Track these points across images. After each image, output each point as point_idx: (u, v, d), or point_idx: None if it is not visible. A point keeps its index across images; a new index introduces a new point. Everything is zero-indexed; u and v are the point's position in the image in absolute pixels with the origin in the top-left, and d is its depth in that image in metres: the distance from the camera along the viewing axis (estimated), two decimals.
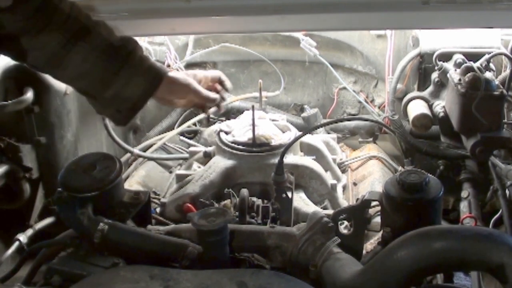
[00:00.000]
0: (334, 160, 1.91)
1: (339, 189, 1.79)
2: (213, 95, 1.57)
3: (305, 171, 1.68)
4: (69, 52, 1.35)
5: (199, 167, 1.82)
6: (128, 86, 1.38)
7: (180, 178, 1.77)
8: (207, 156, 1.81)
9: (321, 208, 1.66)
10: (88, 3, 1.66)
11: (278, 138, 1.75)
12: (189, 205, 1.56)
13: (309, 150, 1.85)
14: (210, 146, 1.92)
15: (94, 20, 1.40)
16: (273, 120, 1.88)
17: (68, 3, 1.38)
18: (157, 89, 1.43)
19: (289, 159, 1.66)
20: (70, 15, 1.36)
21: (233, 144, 1.72)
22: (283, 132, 1.83)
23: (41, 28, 1.33)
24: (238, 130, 1.78)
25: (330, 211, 1.59)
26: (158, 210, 1.65)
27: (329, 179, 1.75)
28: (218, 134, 1.80)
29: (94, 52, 1.35)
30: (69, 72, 1.40)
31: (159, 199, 1.74)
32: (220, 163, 1.68)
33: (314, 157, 1.81)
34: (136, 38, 1.60)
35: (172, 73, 1.49)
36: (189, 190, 1.63)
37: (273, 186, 1.46)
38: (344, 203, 1.74)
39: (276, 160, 1.47)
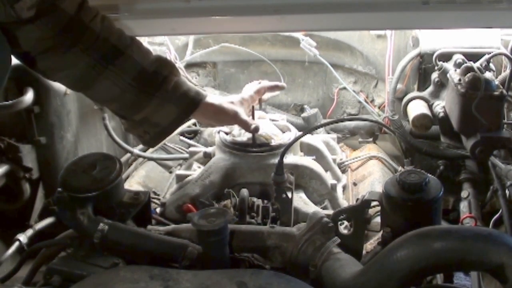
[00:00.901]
0: (334, 160, 1.91)
1: (339, 189, 1.79)
2: (253, 123, 1.60)
3: (305, 171, 1.68)
4: (98, 75, 1.33)
5: (199, 167, 1.82)
6: (159, 112, 1.38)
7: (180, 178, 1.77)
8: (207, 156, 1.81)
9: (321, 208, 1.66)
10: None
11: (278, 138, 1.75)
12: (189, 205, 1.56)
13: (309, 150, 1.85)
14: (210, 146, 1.92)
15: (127, 41, 1.36)
16: (273, 120, 1.88)
17: (99, 21, 1.34)
18: (190, 116, 1.43)
19: (289, 159, 1.66)
20: (99, 35, 1.32)
21: (233, 144, 1.72)
22: (283, 132, 1.83)
23: (68, 47, 1.30)
24: (238, 130, 1.78)
25: (330, 211, 1.59)
26: (158, 210, 1.65)
27: (329, 179, 1.75)
28: (218, 134, 1.80)
29: (125, 77, 1.33)
30: (99, 95, 1.40)
31: (159, 199, 1.74)
32: (220, 163, 1.68)
33: (314, 157, 1.81)
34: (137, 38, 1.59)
35: (212, 99, 1.48)
36: (189, 190, 1.63)
37: (273, 186, 1.46)
38: (344, 203, 1.74)
39: (276, 160, 1.47)
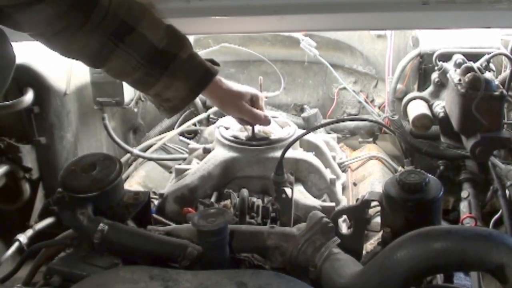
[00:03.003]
0: (334, 157, 1.90)
1: (338, 185, 1.79)
2: (262, 114, 1.59)
3: (304, 165, 1.68)
4: (110, 54, 1.32)
5: (198, 163, 1.82)
6: (169, 89, 1.38)
7: (179, 172, 1.76)
8: (207, 152, 1.81)
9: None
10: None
11: (277, 133, 1.74)
12: (189, 208, 1.56)
13: (309, 147, 1.84)
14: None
15: (137, 14, 1.33)
16: (273, 117, 1.88)
17: None
18: (201, 92, 1.43)
19: (288, 153, 1.66)
20: (108, 10, 1.28)
21: (232, 138, 1.72)
22: (283, 128, 1.83)
23: (79, 25, 1.28)
24: (238, 125, 1.78)
25: (329, 204, 1.59)
26: (156, 202, 1.64)
27: (328, 173, 1.75)
28: (218, 129, 1.80)
29: (135, 55, 1.32)
30: (113, 72, 1.40)
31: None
32: (219, 155, 1.68)
33: (313, 153, 1.80)
34: None
35: (225, 81, 1.49)
36: (187, 181, 1.62)
37: (271, 180, 1.46)
38: (343, 198, 1.74)
39: (275, 154, 1.47)
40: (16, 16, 1.25)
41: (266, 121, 1.62)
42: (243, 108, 1.58)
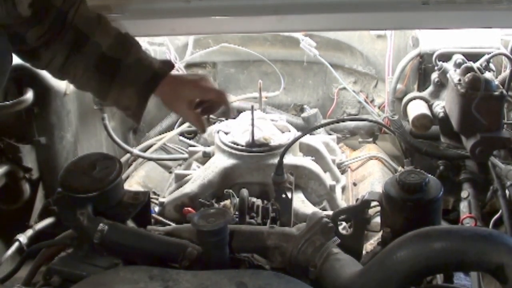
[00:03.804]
0: (334, 161, 1.90)
1: (338, 190, 1.79)
2: (201, 122, 1.47)
3: (304, 171, 1.68)
4: (71, 64, 1.36)
5: (198, 167, 1.82)
6: (123, 97, 1.38)
7: (179, 178, 1.76)
8: (207, 156, 1.81)
9: (320, 209, 1.65)
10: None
11: (277, 139, 1.75)
12: (189, 208, 1.56)
13: (309, 150, 1.84)
14: (209, 146, 1.92)
15: (93, 23, 1.37)
16: (272, 120, 1.88)
17: (74, 10, 1.35)
18: (154, 93, 1.39)
19: (288, 159, 1.66)
20: (72, 22, 1.34)
21: (232, 144, 1.72)
22: (283, 132, 1.83)
23: (53, 40, 1.33)
24: (237, 130, 1.78)
25: (328, 212, 1.59)
26: (157, 209, 1.65)
27: (328, 180, 1.75)
28: (217, 134, 1.80)
29: (89, 64, 1.35)
30: (76, 83, 1.42)
31: (158, 199, 1.74)
32: (219, 163, 1.68)
33: (313, 158, 1.81)
34: (136, 38, 1.57)
35: (174, 73, 1.44)
36: (187, 190, 1.63)
37: (272, 186, 1.46)
38: (343, 204, 1.74)
39: (275, 161, 1.47)
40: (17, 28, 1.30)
41: (201, 128, 1.50)
42: (184, 112, 1.48)
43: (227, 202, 1.53)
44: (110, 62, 1.36)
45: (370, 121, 2.17)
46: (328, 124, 2.19)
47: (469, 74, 1.62)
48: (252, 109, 1.70)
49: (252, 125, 1.68)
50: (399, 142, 2.09)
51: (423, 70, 1.96)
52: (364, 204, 1.27)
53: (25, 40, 1.32)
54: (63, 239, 1.29)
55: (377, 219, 1.32)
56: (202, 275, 1.02)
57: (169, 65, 1.44)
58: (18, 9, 1.24)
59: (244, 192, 1.47)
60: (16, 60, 1.37)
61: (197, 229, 1.10)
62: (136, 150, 2.08)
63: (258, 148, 1.69)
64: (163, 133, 2.26)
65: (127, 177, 1.98)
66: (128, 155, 2.09)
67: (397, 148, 2.16)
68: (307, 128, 2.10)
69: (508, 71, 1.71)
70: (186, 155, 2.02)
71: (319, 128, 2.16)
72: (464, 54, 1.84)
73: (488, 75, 1.64)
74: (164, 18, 1.71)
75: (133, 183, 1.92)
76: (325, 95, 2.44)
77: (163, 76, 1.40)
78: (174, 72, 1.44)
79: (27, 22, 1.29)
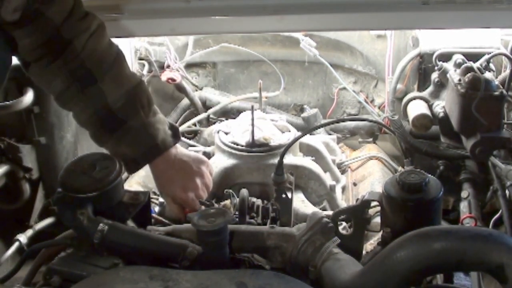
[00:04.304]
0: (334, 161, 1.90)
1: (338, 190, 1.79)
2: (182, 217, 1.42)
3: (304, 171, 1.68)
4: (72, 98, 1.32)
5: None
6: (118, 151, 1.35)
7: None
8: (206, 156, 1.81)
9: (320, 209, 1.66)
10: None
11: (277, 139, 1.75)
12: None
13: (309, 150, 1.84)
14: (209, 146, 1.92)
15: (108, 65, 1.31)
16: (272, 120, 1.88)
17: (85, 38, 1.29)
18: (146, 164, 1.38)
19: (288, 159, 1.66)
20: (79, 55, 1.28)
21: (232, 144, 1.72)
22: (283, 132, 1.83)
23: (51, 61, 1.28)
24: (237, 130, 1.78)
25: (329, 212, 1.59)
26: (157, 209, 1.64)
27: (328, 180, 1.75)
28: (217, 134, 1.80)
29: (89, 108, 1.32)
30: (75, 118, 1.40)
31: (158, 199, 1.74)
32: (219, 163, 1.68)
33: (313, 158, 1.81)
34: (136, 38, 1.59)
35: (175, 156, 1.39)
36: None
37: (272, 186, 1.46)
38: (343, 204, 1.74)
39: (275, 161, 1.47)
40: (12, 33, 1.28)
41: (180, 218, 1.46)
42: (167, 201, 1.47)
43: (227, 202, 1.52)
44: (113, 118, 1.31)
45: (370, 121, 2.17)
46: (328, 124, 2.19)
47: (469, 74, 1.62)
48: (252, 109, 1.70)
49: (252, 125, 1.68)
50: (399, 142, 2.09)
51: (423, 70, 1.96)
52: (364, 204, 1.27)
53: (17, 49, 1.30)
54: (63, 239, 1.29)
55: (377, 219, 1.32)
56: (202, 275, 1.02)
57: (174, 137, 1.40)
58: (1, 12, 1.20)
59: (244, 192, 1.46)
60: (16, 60, 1.37)
61: (197, 229, 1.10)
62: None
63: (258, 148, 1.69)
64: None
65: (127, 177, 1.98)
66: None
67: (397, 148, 2.16)
68: (307, 128, 2.10)
69: (508, 71, 1.71)
70: None
71: (319, 128, 2.16)
72: (464, 54, 1.84)
73: (488, 75, 1.64)
74: (164, 18, 1.71)
75: (133, 183, 1.92)
76: (325, 95, 2.44)
77: (162, 152, 1.37)
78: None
79: (19, 28, 1.26)
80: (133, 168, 1.40)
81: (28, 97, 1.71)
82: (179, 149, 1.43)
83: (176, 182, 1.40)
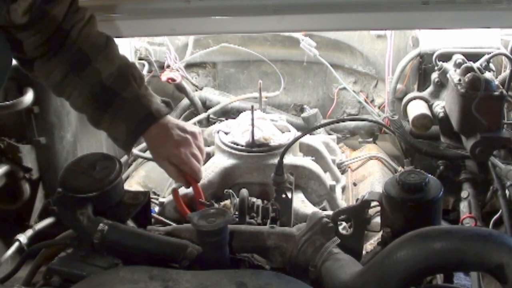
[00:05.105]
0: (334, 161, 1.90)
1: (338, 190, 1.79)
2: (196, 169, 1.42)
3: (304, 171, 1.68)
4: (68, 84, 1.35)
5: None
6: (113, 129, 1.37)
7: None
8: (206, 156, 1.81)
9: (320, 209, 1.65)
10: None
11: (277, 139, 1.75)
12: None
13: (309, 150, 1.84)
14: (209, 146, 1.92)
15: (101, 47, 1.35)
16: (272, 120, 1.88)
17: (80, 27, 1.34)
18: (143, 136, 1.38)
19: (288, 159, 1.66)
20: (76, 42, 1.32)
21: (232, 144, 1.72)
22: (283, 132, 1.83)
23: (53, 54, 1.32)
24: (237, 130, 1.78)
25: (329, 212, 1.59)
26: (157, 209, 1.65)
27: (328, 180, 1.75)
28: (217, 134, 1.80)
29: (86, 89, 1.34)
30: (71, 104, 1.41)
31: (158, 199, 1.74)
32: (219, 163, 1.68)
33: (313, 158, 1.81)
34: (136, 38, 1.59)
35: (170, 120, 1.39)
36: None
37: (272, 186, 1.46)
38: (343, 204, 1.74)
39: (275, 161, 1.47)
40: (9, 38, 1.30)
41: (184, 184, 1.48)
42: (164, 166, 1.44)
43: (227, 202, 1.52)
44: (107, 92, 1.34)
45: (370, 121, 2.17)
46: (328, 124, 2.19)
47: (469, 74, 1.62)
48: (252, 109, 1.70)
49: (252, 125, 1.67)
50: (399, 142, 2.09)
51: (423, 70, 1.96)
52: (364, 204, 1.27)
53: (23, 48, 1.32)
54: (63, 239, 1.29)
55: (377, 219, 1.32)
56: (202, 275, 1.02)
57: (167, 107, 1.41)
58: (11, 16, 1.23)
59: (244, 192, 1.46)
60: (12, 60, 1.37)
61: (197, 229, 1.10)
62: (136, 150, 2.08)
63: (258, 148, 1.68)
64: None
65: (127, 177, 1.98)
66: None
67: (397, 148, 2.16)
68: (307, 128, 2.10)
69: (508, 71, 1.71)
70: None
71: (319, 128, 2.16)
72: (464, 54, 1.84)
73: (488, 75, 1.64)
74: (164, 18, 1.71)
75: (133, 183, 1.92)
76: (325, 95, 2.44)
77: (157, 120, 1.37)
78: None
79: (25, 30, 1.29)
80: (129, 143, 1.39)
81: (28, 97, 1.71)
82: (172, 119, 1.44)
83: (169, 142, 1.39)
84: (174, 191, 1.51)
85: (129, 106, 1.35)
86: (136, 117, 1.36)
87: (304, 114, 2.24)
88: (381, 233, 1.24)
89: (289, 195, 1.44)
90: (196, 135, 1.46)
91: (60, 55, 1.32)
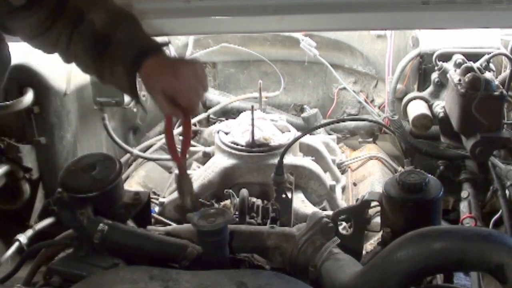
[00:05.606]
0: (334, 161, 1.91)
1: (338, 190, 1.79)
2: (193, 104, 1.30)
3: (304, 171, 1.68)
4: (73, 44, 1.31)
5: (198, 166, 1.82)
6: (114, 76, 1.30)
7: None
8: (206, 156, 1.81)
9: (320, 209, 1.66)
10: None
11: (277, 139, 1.75)
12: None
13: (309, 150, 1.84)
14: (210, 146, 1.92)
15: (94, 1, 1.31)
16: (272, 120, 1.88)
17: None
18: (139, 74, 1.27)
19: (288, 159, 1.66)
20: (75, 3, 1.30)
21: (232, 144, 1.72)
22: (283, 132, 1.83)
23: (53, 25, 1.30)
24: (237, 130, 1.78)
25: (329, 212, 1.59)
26: (157, 209, 1.65)
27: (328, 180, 1.75)
28: (217, 134, 1.80)
29: (85, 43, 1.30)
30: (79, 65, 1.36)
31: (158, 199, 1.74)
32: (219, 163, 1.68)
33: (313, 158, 1.81)
34: None
35: (167, 55, 1.33)
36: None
37: (272, 186, 1.46)
38: (342, 204, 1.74)
39: (275, 161, 1.47)
40: (6, 23, 1.28)
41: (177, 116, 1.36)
42: (158, 101, 1.30)
43: (227, 202, 1.53)
44: (102, 38, 1.28)
45: (370, 121, 2.17)
46: (328, 124, 2.19)
47: (469, 74, 1.62)
48: (252, 109, 1.70)
49: (252, 125, 1.68)
50: (399, 142, 2.09)
51: (423, 70, 1.96)
52: (364, 204, 1.27)
53: (29, 27, 1.29)
54: (63, 239, 1.29)
55: (377, 219, 1.32)
56: (202, 275, 1.02)
57: (162, 43, 1.34)
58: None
59: (244, 192, 1.47)
60: (16, 59, 1.37)
61: (197, 229, 1.10)
62: (136, 150, 2.08)
63: (258, 148, 1.69)
64: (163, 133, 2.26)
65: (127, 177, 1.98)
66: (128, 155, 2.09)
67: (397, 148, 2.16)
68: (307, 128, 2.10)
69: (508, 71, 1.71)
70: None
71: (319, 128, 2.16)
72: (464, 54, 1.84)
73: (488, 75, 1.64)
74: (164, 18, 1.71)
75: (133, 183, 1.92)
76: (325, 95, 2.44)
77: (150, 53, 1.28)
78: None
79: (27, 11, 1.26)
80: (133, 87, 1.28)
81: (28, 97, 1.71)
82: (171, 55, 1.40)
83: (165, 72, 1.28)
84: (167, 118, 1.36)
85: (123, 46, 1.28)
86: (130, 55, 1.27)
87: (304, 114, 2.24)
88: (381, 233, 1.24)
89: (289, 195, 1.44)
90: (196, 66, 1.33)
91: (63, 19, 1.29)
